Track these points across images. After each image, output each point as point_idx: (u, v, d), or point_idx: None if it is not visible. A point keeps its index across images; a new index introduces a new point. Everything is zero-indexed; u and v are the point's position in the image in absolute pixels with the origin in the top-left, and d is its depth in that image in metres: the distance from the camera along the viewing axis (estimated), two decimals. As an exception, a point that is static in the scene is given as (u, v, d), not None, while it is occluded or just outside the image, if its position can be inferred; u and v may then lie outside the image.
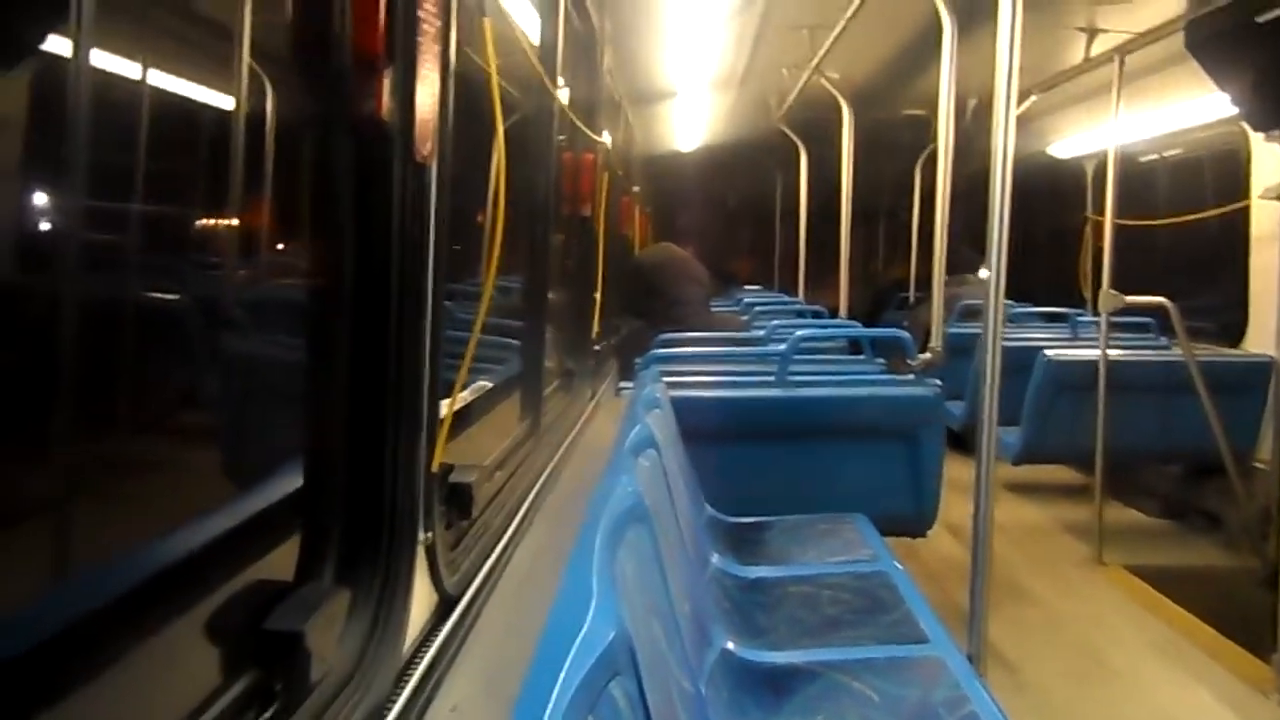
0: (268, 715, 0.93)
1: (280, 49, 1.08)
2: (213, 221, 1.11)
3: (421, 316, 1.18)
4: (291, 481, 1.13)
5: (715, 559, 2.71)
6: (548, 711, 0.86)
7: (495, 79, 1.41)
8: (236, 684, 0.91)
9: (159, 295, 0.99)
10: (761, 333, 4.48)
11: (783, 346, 3.43)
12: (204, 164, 1.04)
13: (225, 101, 1.05)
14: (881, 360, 3.84)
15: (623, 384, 3.76)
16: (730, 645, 2.15)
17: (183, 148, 0.99)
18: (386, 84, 1.05)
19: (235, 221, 1.11)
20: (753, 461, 3.19)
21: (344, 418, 1.12)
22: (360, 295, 1.10)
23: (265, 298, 1.16)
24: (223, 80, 1.04)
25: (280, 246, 1.18)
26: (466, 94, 1.51)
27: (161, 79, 0.91)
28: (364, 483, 1.13)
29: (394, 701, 1.08)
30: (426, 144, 1.13)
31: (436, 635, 1.24)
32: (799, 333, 3.61)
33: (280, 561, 1.11)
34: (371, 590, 1.11)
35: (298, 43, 1.08)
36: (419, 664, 1.16)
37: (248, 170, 1.08)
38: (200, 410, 1.04)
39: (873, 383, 3.47)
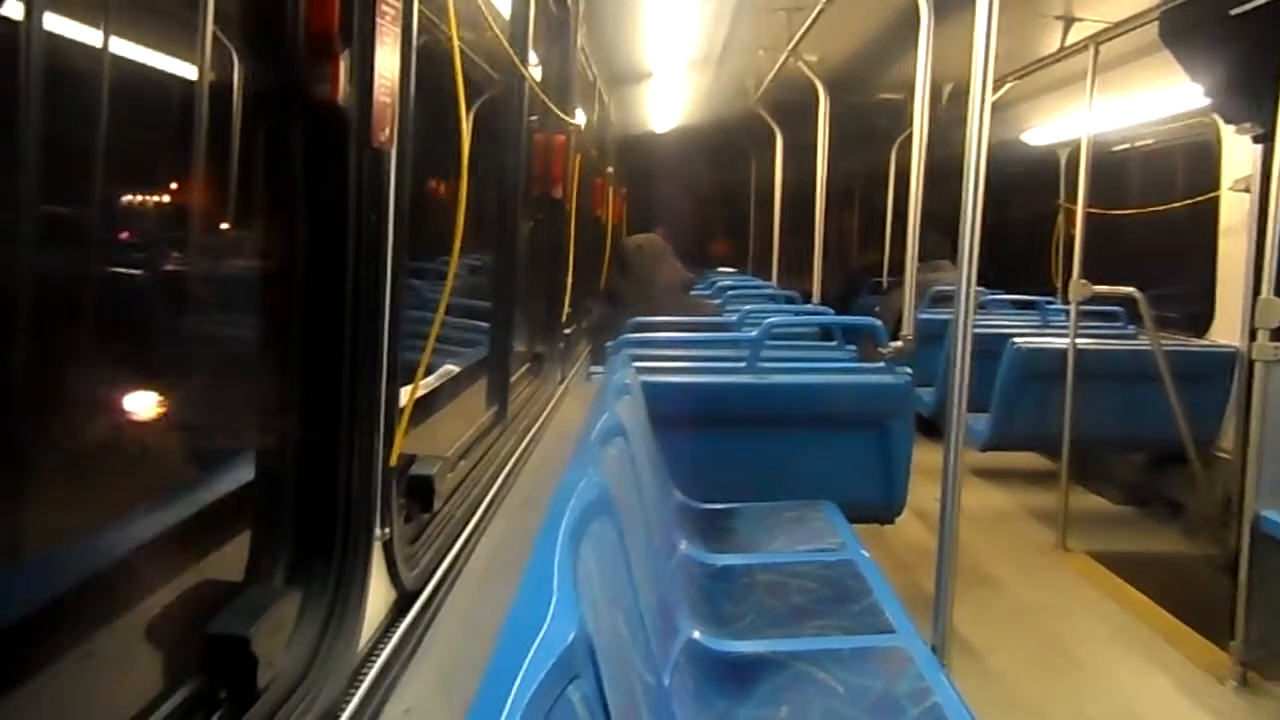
0: (212, 722, 0.91)
1: (234, 25, 1.04)
2: (161, 202, 1.06)
3: (378, 305, 1.15)
4: (244, 476, 1.09)
5: (683, 545, 2.70)
6: (502, 717, 0.84)
7: (459, 62, 1.36)
8: (179, 691, 0.88)
9: (109, 278, 0.95)
10: (734, 318, 4.47)
11: (754, 333, 3.41)
12: (149, 141, 1.00)
13: (177, 77, 1.01)
14: (853, 347, 3.84)
15: (594, 368, 3.73)
16: (696, 635, 2.14)
17: (131, 123, 0.94)
18: (343, 67, 1.01)
19: (184, 203, 1.06)
20: (723, 448, 3.18)
21: (298, 410, 1.09)
22: (314, 283, 1.06)
23: (216, 283, 1.11)
24: (177, 54, 0.99)
25: (232, 231, 1.14)
26: (433, 74, 1.47)
27: (116, 48, 0.87)
28: (318, 478, 1.10)
29: (346, 704, 1.05)
30: (385, 129, 1.09)
31: (393, 633, 1.22)
32: (770, 320, 3.59)
33: (234, 559, 1.08)
34: (325, 590, 1.08)
35: (249, 20, 1.03)
36: (374, 664, 1.14)
37: (196, 150, 1.03)
38: (140, 401, 1.00)
39: (843, 370, 3.46)
